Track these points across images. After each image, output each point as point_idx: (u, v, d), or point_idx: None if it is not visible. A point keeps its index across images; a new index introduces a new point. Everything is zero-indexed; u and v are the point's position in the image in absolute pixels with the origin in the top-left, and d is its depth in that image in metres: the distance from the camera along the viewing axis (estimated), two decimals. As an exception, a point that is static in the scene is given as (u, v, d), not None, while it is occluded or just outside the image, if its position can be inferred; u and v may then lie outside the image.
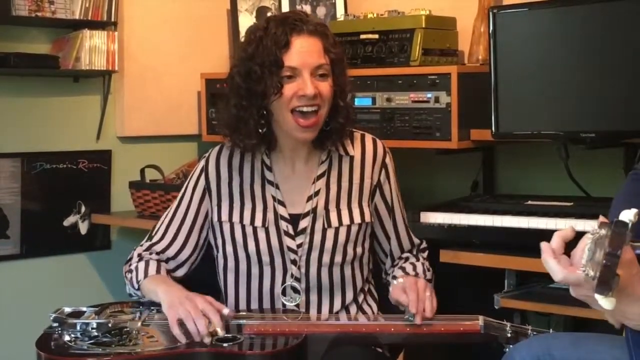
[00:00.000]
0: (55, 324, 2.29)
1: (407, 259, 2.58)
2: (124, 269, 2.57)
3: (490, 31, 3.06)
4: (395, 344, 2.49)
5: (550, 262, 1.71)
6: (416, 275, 2.50)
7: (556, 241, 1.73)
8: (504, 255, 2.88)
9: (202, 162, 2.55)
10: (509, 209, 2.98)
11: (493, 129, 3.09)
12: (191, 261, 2.56)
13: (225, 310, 2.28)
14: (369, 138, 2.57)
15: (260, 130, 2.40)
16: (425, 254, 2.63)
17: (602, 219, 1.65)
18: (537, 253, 2.79)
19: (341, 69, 2.43)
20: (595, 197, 3.20)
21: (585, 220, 2.75)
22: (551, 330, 2.29)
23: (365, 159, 2.52)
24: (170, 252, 2.55)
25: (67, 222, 4.11)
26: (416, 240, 2.63)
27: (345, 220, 2.47)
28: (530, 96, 3.03)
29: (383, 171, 2.54)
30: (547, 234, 2.76)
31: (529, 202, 3.08)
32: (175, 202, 2.57)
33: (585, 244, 1.60)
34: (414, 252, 2.61)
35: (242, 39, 2.52)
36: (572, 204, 3.00)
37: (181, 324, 2.24)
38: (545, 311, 2.90)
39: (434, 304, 2.35)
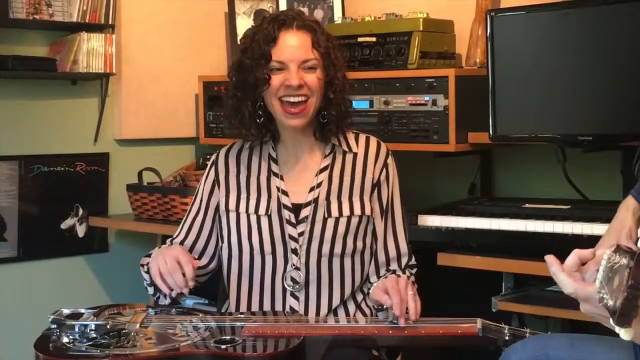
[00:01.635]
0: (54, 326, 2.29)
1: (394, 271, 2.59)
2: (141, 261, 2.63)
3: (488, 34, 3.07)
4: (393, 346, 2.50)
5: (559, 275, 1.70)
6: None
7: (572, 258, 1.72)
8: (501, 258, 2.88)
9: (213, 157, 2.69)
10: (506, 212, 2.99)
11: (491, 132, 3.09)
12: (210, 250, 2.64)
13: (196, 263, 2.46)
14: (373, 139, 2.65)
15: (258, 120, 2.52)
16: (413, 271, 2.63)
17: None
18: (534, 256, 2.82)
19: (331, 62, 2.50)
20: (592, 200, 3.20)
21: (582, 223, 2.76)
22: (549, 333, 2.28)
23: (368, 156, 2.59)
24: (188, 242, 2.64)
25: (64, 225, 4.11)
26: (404, 250, 2.62)
27: (346, 211, 2.52)
28: (528, 99, 3.03)
29: (384, 171, 2.58)
30: (544, 237, 2.81)
31: (527, 205, 3.09)
32: (193, 198, 2.70)
33: (599, 262, 1.59)
34: (402, 266, 2.61)
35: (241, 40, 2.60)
36: (569, 206, 3.01)
37: (161, 275, 2.41)
38: (543, 314, 2.91)
39: (418, 304, 2.34)
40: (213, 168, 2.65)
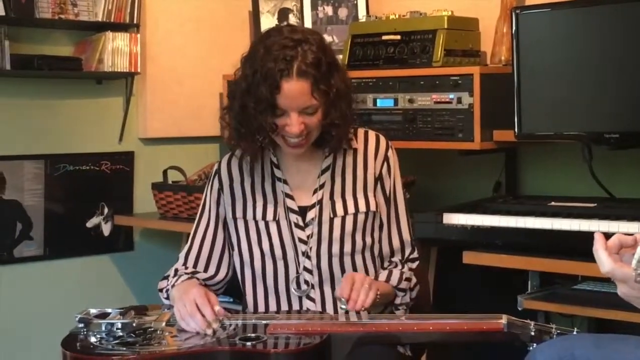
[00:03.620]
0: (81, 325, 2.31)
1: (394, 264, 2.58)
2: (159, 285, 2.61)
3: (513, 32, 3.06)
4: (418, 343, 2.49)
5: (601, 252, 1.70)
6: (387, 281, 2.50)
7: (614, 240, 1.73)
8: (527, 256, 2.87)
9: (215, 166, 2.66)
10: (532, 210, 2.98)
11: (516, 129, 3.08)
12: (227, 260, 2.61)
13: (217, 307, 2.34)
14: (372, 133, 2.62)
15: (259, 143, 2.49)
16: (414, 265, 2.61)
17: None
18: (560, 254, 2.81)
19: (331, 102, 2.41)
20: (619, 198, 3.19)
21: (609, 222, 2.74)
22: (575, 331, 2.27)
23: (368, 151, 2.57)
24: (203, 255, 2.61)
25: (90, 224, 4.13)
26: (407, 240, 2.60)
27: (351, 209, 2.51)
28: (553, 97, 3.02)
29: (385, 164, 2.57)
30: (570, 235, 2.80)
31: (552, 203, 3.07)
32: (199, 210, 2.66)
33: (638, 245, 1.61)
34: (402, 259, 2.60)
35: (246, 54, 2.50)
36: (595, 205, 2.99)
37: (184, 320, 2.33)
38: (569, 312, 2.90)
39: (370, 297, 2.32)
40: (217, 178, 2.62)
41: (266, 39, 2.43)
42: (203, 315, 2.30)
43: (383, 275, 2.52)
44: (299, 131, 2.38)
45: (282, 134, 2.41)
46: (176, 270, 2.59)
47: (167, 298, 2.54)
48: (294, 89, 2.35)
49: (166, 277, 2.60)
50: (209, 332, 2.28)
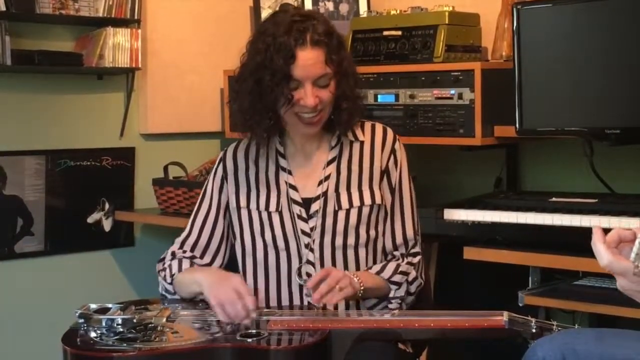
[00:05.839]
0: (81, 320, 2.30)
1: (395, 257, 2.57)
2: (157, 267, 2.62)
3: (514, 27, 3.06)
4: (419, 339, 2.49)
5: (599, 246, 1.71)
6: (378, 273, 2.49)
7: (612, 235, 1.73)
8: (527, 252, 2.88)
9: (221, 154, 2.66)
10: (533, 206, 2.98)
11: (517, 125, 3.08)
12: (223, 250, 2.62)
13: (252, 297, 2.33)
14: (379, 126, 2.61)
15: (269, 125, 2.48)
16: (415, 259, 2.58)
17: None
18: (561, 250, 2.81)
19: (343, 73, 2.46)
20: (619, 193, 3.18)
21: (609, 217, 2.74)
22: (576, 326, 2.27)
23: (375, 144, 2.56)
24: (201, 243, 2.61)
25: (91, 219, 4.13)
26: (410, 235, 2.59)
27: (356, 202, 2.50)
28: (555, 92, 3.02)
29: (392, 157, 2.56)
30: (571, 231, 2.80)
31: (553, 199, 3.07)
32: (200, 196, 2.66)
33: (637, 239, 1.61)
34: (405, 253, 2.59)
35: (252, 36, 2.52)
36: (596, 200, 2.99)
37: (222, 306, 2.30)
38: (570, 308, 2.90)
39: (336, 297, 2.31)
40: (221, 165, 2.62)
41: (274, 18, 2.47)
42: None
43: (376, 268, 2.51)
44: (314, 103, 2.39)
45: (296, 110, 2.42)
46: (173, 254, 2.60)
47: (171, 283, 2.54)
48: (309, 57, 2.38)
49: (162, 260, 2.60)
50: (247, 322, 2.27)
